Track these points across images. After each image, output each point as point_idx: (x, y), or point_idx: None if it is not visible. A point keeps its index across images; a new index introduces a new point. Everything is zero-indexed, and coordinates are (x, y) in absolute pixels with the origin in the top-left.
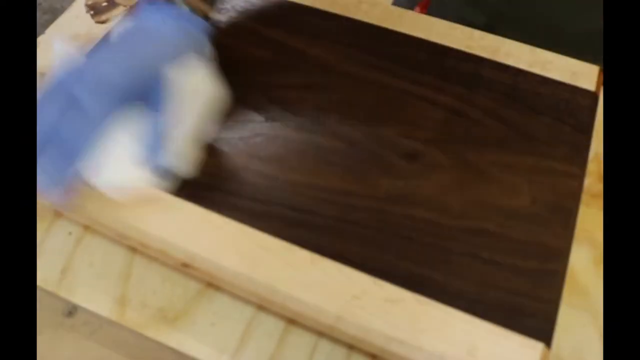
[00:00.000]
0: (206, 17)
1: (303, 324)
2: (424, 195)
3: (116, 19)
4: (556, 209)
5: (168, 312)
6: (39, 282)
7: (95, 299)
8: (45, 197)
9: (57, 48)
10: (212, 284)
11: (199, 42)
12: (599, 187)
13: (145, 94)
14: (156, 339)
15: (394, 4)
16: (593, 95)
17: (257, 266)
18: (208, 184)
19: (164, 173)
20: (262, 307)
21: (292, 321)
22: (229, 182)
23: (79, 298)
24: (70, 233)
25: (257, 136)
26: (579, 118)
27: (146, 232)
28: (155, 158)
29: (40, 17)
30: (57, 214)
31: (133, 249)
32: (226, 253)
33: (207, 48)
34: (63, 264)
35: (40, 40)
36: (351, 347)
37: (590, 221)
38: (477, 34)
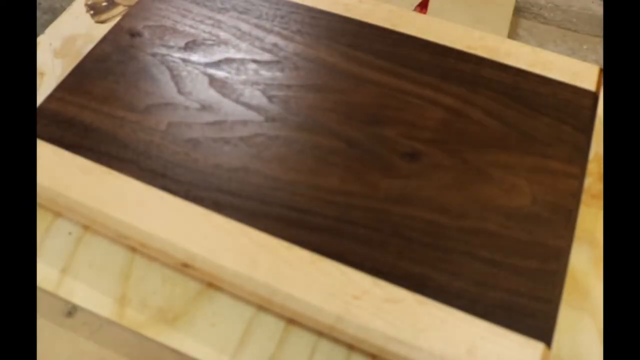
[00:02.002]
0: None
1: (303, 324)
2: (424, 195)
3: (116, 18)
4: (556, 209)
5: (168, 312)
6: (38, 282)
7: (95, 299)
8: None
9: None
10: (212, 284)
11: None
12: (599, 187)
13: None
14: (156, 339)
15: None
16: (593, 95)
17: (257, 266)
18: (208, 184)
19: None
20: (262, 307)
21: (292, 321)
22: (229, 182)
23: (79, 298)
24: (70, 233)
25: (257, 136)
26: (579, 118)
27: (146, 232)
28: None
29: (40, 17)
30: (57, 214)
31: (133, 249)
32: (226, 253)
33: None
34: (63, 264)
35: (40, 40)
36: (351, 347)
37: (590, 221)
38: (477, 34)
